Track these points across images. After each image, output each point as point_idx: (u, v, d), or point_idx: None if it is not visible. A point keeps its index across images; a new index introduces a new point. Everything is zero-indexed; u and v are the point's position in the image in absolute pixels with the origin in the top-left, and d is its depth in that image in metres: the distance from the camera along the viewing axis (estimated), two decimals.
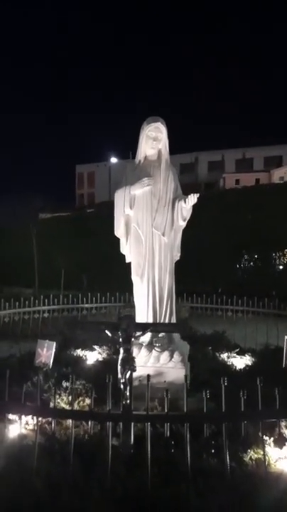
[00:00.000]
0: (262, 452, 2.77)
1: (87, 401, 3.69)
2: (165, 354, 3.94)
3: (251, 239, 12.70)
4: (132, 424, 2.42)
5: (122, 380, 2.52)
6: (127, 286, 6.44)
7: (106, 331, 2.79)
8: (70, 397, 3.64)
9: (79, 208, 38.34)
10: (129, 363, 2.55)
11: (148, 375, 2.58)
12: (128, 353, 2.60)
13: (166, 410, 2.45)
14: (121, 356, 2.65)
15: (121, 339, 2.65)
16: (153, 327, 3.09)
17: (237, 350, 5.36)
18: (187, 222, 4.22)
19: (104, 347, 5.42)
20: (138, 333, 2.84)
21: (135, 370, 2.61)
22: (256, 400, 2.65)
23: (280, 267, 12.72)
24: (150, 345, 4.01)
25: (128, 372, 2.53)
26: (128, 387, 2.45)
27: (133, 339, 2.69)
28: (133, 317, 2.88)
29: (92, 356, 5.19)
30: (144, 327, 2.95)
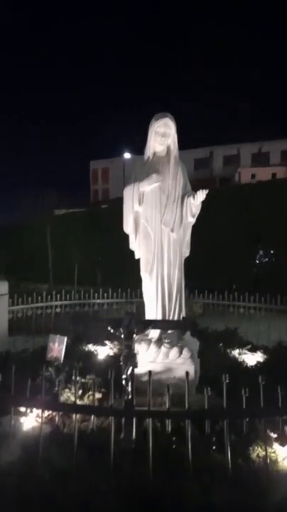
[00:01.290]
0: (269, 449, 2.77)
1: (97, 395, 3.75)
2: (175, 350, 3.95)
3: (266, 234, 12.52)
4: (134, 419, 2.44)
5: (124, 376, 2.54)
6: (140, 282, 6.46)
7: (109, 328, 2.82)
8: (80, 392, 3.75)
9: (93, 203, 38.58)
10: (131, 359, 2.57)
11: (150, 372, 2.61)
12: (129, 349, 2.63)
13: (167, 406, 2.47)
14: (123, 352, 2.67)
15: (123, 336, 2.67)
16: (154, 324, 3.09)
17: (249, 346, 5.32)
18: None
19: (115, 342, 5.48)
20: (143, 330, 2.86)
21: (137, 366, 2.63)
22: (265, 397, 2.64)
23: None
24: (159, 341, 4.03)
25: (130, 368, 2.55)
26: (130, 383, 2.48)
27: (135, 335, 2.71)
28: (135, 314, 2.88)
29: (103, 351, 5.25)
30: (147, 324, 2.96)
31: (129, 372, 2.54)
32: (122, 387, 2.76)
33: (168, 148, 4.17)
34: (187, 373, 2.79)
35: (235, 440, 2.70)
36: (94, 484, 2.22)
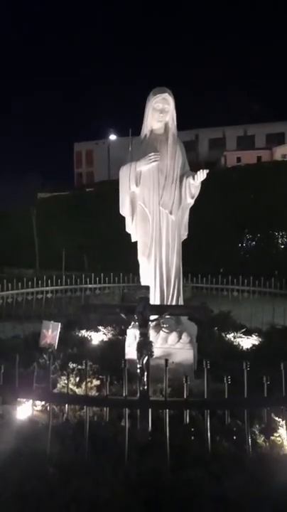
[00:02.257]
0: (275, 434, 2.75)
1: (95, 382, 3.65)
2: (173, 335, 3.87)
3: (253, 218, 12.53)
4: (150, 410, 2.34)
5: (139, 365, 2.42)
6: (129, 266, 6.34)
7: (122, 314, 2.68)
8: (78, 379, 3.64)
9: (78, 187, 37.87)
10: (147, 347, 2.45)
11: (166, 360, 2.49)
12: (145, 337, 2.50)
13: (185, 396, 2.36)
14: (137, 340, 2.55)
15: (137, 322, 2.54)
16: (172, 310, 2.97)
17: (243, 330, 5.30)
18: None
19: (109, 327, 5.37)
20: (154, 317, 2.73)
21: (153, 356, 2.52)
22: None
23: (282, 246, 12.59)
24: (157, 326, 3.93)
25: (146, 358, 2.43)
26: (145, 373, 2.36)
27: (150, 323, 2.59)
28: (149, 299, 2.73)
29: (97, 337, 5.14)
30: (161, 310, 2.84)
31: (145, 361, 2.41)
32: (119, 373, 2.66)
33: (166, 126, 3.98)
34: (187, 373, 2.69)
35: (240, 427, 2.66)
36: (101, 477, 2.13)
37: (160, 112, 3.87)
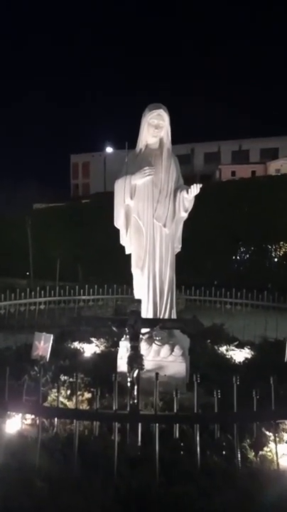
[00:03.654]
0: (265, 449, 2.74)
1: (86, 395, 3.63)
2: (166, 348, 3.87)
3: (247, 231, 12.65)
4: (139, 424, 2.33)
5: (129, 379, 2.42)
6: (123, 278, 6.35)
7: (113, 328, 2.69)
8: (69, 392, 3.61)
9: (74, 198, 38.00)
10: (137, 361, 2.44)
11: (157, 374, 2.48)
12: (135, 350, 2.50)
13: (175, 410, 2.36)
14: (128, 354, 2.55)
15: (128, 336, 2.54)
16: (163, 323, 2.98)
17: (236, 343, 5.31)
18: None
19: (102, 339, 5.35)
20: (145, 330, 2.74)
21: (143, 369, 2.52)
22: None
23: (276, 260, 12.69)
24: (150, 339, 3.93)
25: (136, 371, 2.43)
26: (135, 387, 2.36)
27: (141, 336, 2.59)
28: (140, 313, 2.73)
29: (90, 349, 5.11)
30: (153, 323, 2.85)
31: (135, 375, 2.41)
32: (111, 386, 2.65)
33: (161, 141, 4.06)
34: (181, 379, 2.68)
35: (231, 441, 2.65)
36: (90, 492, 2.10)
37: (155, 128, 3.95)
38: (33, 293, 6.10)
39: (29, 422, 3.11)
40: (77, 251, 15.39)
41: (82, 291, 6.61)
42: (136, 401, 2.34)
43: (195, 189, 3.86)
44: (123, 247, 4.30)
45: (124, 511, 2.05)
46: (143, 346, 3.90)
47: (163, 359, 3.87)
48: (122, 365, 3.80)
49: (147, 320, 2.99)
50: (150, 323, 2.84)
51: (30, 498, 2.11)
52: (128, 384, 2.41)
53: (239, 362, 4.73)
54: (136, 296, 4.12)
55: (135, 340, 2.52)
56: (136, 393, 2.36)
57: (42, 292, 6.15)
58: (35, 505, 2.09)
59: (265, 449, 2.75)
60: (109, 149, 33.80)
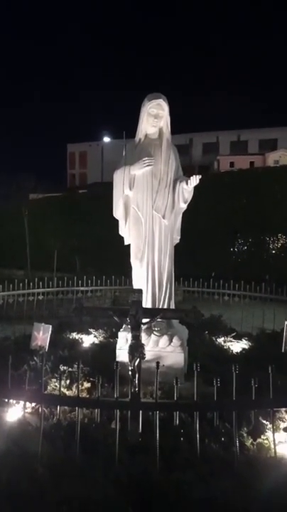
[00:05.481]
0: (263, 436, 2.79)
1: (86, 384, 3.67)
2: (165, 338, 3.91)
3: (245, 223, 12.65)
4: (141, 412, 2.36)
5: (130, 368, 2.45)
6: (121, 269, 6.34)
7: (115, 317, 2.71)
8: (68, 381, 3.64)
9: (70, 188, 37.75)
10: (138, 350, 2.47)
11: (157, 363, 2.51)
12: (137, 339, 2.53)
13: (175, 398, 2.39)
14: (129, 343, 2.57)
15: (129, 326, 2.57)
16: (164, 313, 3.00)
17: (234, 334, 5.36)
18: None
19: (100, 330, 5.39)
20: (146, 320, 2.76)
21: (144, 358, 2.55)
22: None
23: (273, 252, 12.73)
24: (148, 329, 3.96)
25: (137, 360, 2.46)
26: (136, 375, 2.39)
27: (142, 325, 2.61)
28: (141, 302, 2.74)
29: (88, 339, 5.15)
30: (153, 313, 2.86)
31: (136, 363, 2.44)
32: (110, 375, 2.67)
33: (160, 131, 4.03)
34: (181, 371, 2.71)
35: (229, 430, 2.69)
36: (92, 478, 2.14)
37: (154, 118, 3.91)
38: (31, 284, 6.10)
39: (29, 410, 3.16)
40: (74, 242, 15.36)
41: (80, 282, 6.62)
42: (137, 389, 2.37)
43: (195, 180, 3.85)
44: (121, 238, 4.30)
45: (125, 497, 2.09)
46: (143, 337, 3.93)
47: (162, 349, 3.90)
48: (121, 355, 3.84)
49: (148, 310, 3.01)
50: (152, 313, 2.87)
51: (33, 484, 2.14)
52: (130, 373, 2.44)
53: (237, 353, 4.79)
54: (135, 287, 4.14)
55: (136, 330, 2.54)
56: (137, 382, 2.39)
57: (41, 283, 6.15)
58: (38, 490, 2.12)
59: (262, 437, 2.81)
60: (107, 139, 33.48)
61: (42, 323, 4.56)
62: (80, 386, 3.56)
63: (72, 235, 15.73)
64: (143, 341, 3.84)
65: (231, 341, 5.17)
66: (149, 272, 4.01)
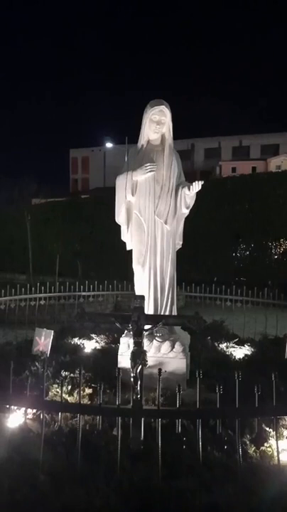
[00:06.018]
0: (265, 444, 2.77)
1: (87, 390, 3.65)
2: (166, 344, 3.89)
3: (247, 228, 12.65)
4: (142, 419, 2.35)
5: (132, 375, 2.44)
6: (123, 274, 6.35)
7: (117, 323, 2.70)
8: (70, 387, 3.63)
9: (73, 193, 37.90)
10: (141, 356, 2.46)
11: (159, 370, 2.50)
12: (139, 346, 2.52)
13: (178, 405, 2.38)
14: (131, 349, 2.56)
15: (131, 332, 2.56)
16: (166, 320, 2.99)
17: (236, 340, 5.33)
18: None
19: (102, 336, 5.37)
20: (148, 326, 2.75)
21: (146, 365, 2.54)
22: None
23: (276, 257, 12.71)
24: (150, 335, 3.95)
25: (139, 367, 2.45)
26: (138, 382, 2.38)
27: (144, 332, 2.61)
28: (143, 309, 2.74)
29: (90, 345, 5.13)
30: (156, 320, 2.86)
31: (138, 370, 2.43)
32: (112, 381, 2.66)
33: (163, 137, 4.05)
34: (182, 373, 2.70)
35: (232, 437, 2.67)
36: (93, 485, 2.13)
37: (157, 124, 3.93)
38: (33, 289, 6.11)
39: (30, 416, 3.14)
40: (76, 246, 15.40)
41: (82, 287, 6.62)
42: (139, 396, 2.36)
43: (197, 186, 3.86)
44: (123, 243, 4.31)
45: (127, 504, 2.07)
46: (144, 342, 3.92)
47: (164, 355, 3.88)
48: (123, 361, 3.83)
49: (150, 316, 3.00)
50: (154, 319, 2.86)
51: (35, 491, 2.13)
52: (132, 379, 2.43)
53: (239, 359, 4.75)
54: (137, 293, 4.14)
55: (138, 336, 2.54)
56: (139, 388, 2.38)
57: (43, 288, 6.16)
58: (39, 497, 2.11)
59: (265, 444, 2.78)
60: (109, 144, 33.58)
61: (44, 329, 4.55)
62: (82, 392, 3.56)
63: (74, 240, 15.77)
64: (144, 347, 3.88)
65: (233, 347, 5.14)
66: (151, 277, 4.01)
